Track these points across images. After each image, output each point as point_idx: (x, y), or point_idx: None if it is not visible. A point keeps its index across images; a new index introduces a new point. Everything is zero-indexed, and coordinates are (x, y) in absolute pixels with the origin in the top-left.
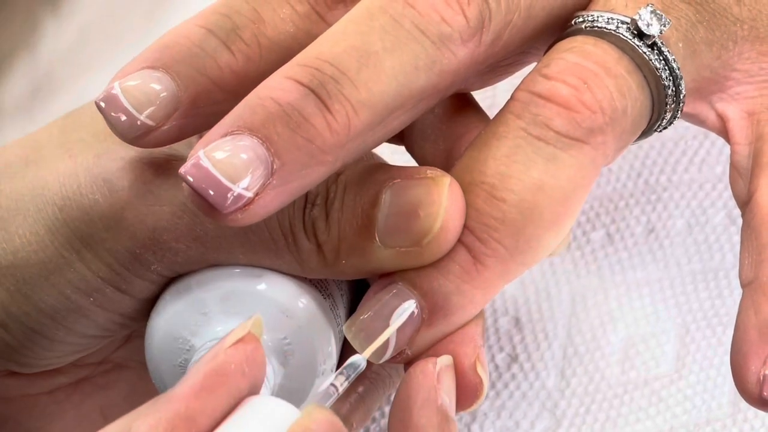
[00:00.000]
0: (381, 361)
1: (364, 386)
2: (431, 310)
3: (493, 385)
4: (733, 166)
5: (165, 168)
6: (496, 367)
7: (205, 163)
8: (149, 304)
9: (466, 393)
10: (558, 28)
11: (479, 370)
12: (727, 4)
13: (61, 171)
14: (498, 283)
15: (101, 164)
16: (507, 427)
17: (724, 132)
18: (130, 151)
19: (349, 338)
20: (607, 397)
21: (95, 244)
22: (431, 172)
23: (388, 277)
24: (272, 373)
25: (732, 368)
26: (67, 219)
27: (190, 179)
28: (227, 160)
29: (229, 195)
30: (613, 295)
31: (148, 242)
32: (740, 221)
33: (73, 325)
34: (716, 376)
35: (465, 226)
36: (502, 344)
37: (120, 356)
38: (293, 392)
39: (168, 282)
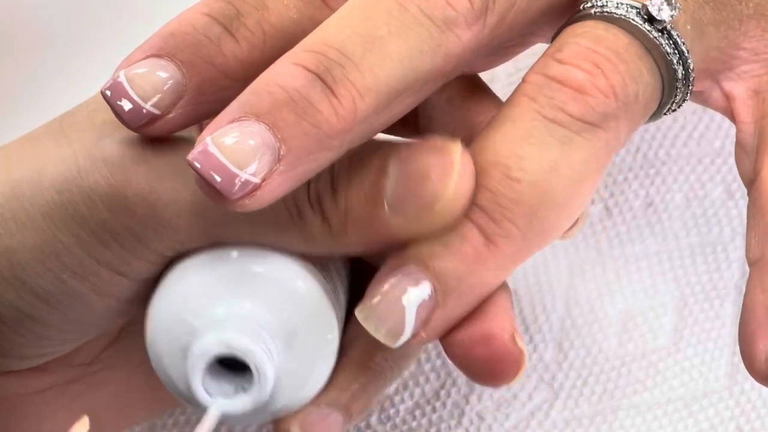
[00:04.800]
0: (397, 345)
1: (367, 377)
2: (445, 292)
3: None
4: (739, 145)
5: (165, 146)
6: None
7: (213, 149)
8: (147, 287)
9: (510, 365)
10: (561, 10)
11: (518, 341)
12: None
13: (59, 158)
14: (509, 265)
15: (100, 146)
16: (505, 399)
17: (728, 111)
18: (130, 133)
19: (361, 320)
20: (604, 369)
21: (95, 226)
22: (441, 140)
23: (398, 258)
24: (276, 353)
25: (740, 347)
26: (66, 202)
27: (198, 165)
28: (235, 146)
29: (236, 181)
30: (611, 269)
31: (148, 219)
32: (738, 195)
33: (68, 311)
34: (713, 349)
35: (479, 207)
36: None
37: (109, 356)
38: (296, 374)
39: (168, 263)
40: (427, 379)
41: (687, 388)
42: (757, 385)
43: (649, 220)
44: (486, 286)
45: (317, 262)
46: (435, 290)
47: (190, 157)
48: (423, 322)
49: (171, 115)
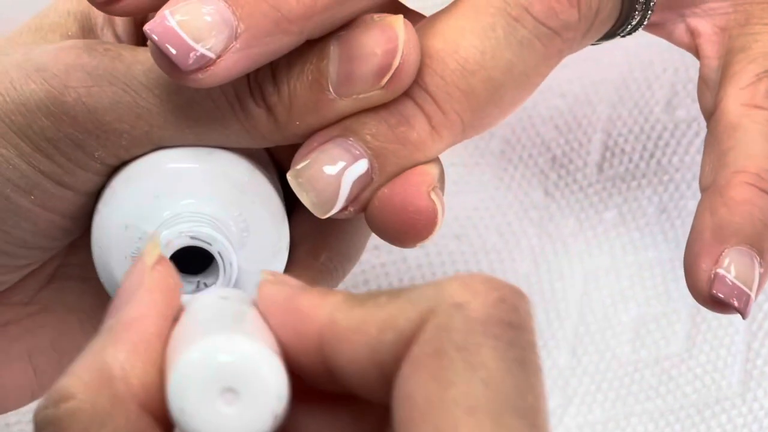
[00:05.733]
0: (325, 216)
1: (313, 277)
2: (381, 170)
3: None
4: (702, 80)
5: (101, 52)
6: None
7: (171, 22)
8: (91, 201)
9: (424, 218)
10: None
11: (433, 195)
12: None
13: None
14: (442, 151)
15: (32, 57)
16: None
17: (692, 47)
18: (62, 43)
19: (293, 186)
20: (617, 375)
21: (34, 136)
22: (378, 16)
23: (336, 128)
24: (236, 264)
25: (685, 269)
26: (3, 115)
27: (155, 37)
28: (192, 21)
29: (191, 54)
30: (625, 275)
31: (89, 125)
32: None
33: (12, 230)
34: (726, 356)
35: (428, 93)
36: None
37: (45, 297)
38: (251, 274)
39: (112, 172)
40: None
41: (700, 394)
42: None
43: (663, 227)
44: (416, 165)
45: (262, 161)
46: (372, 168)
47: (147, 27)
48: (354, 197)
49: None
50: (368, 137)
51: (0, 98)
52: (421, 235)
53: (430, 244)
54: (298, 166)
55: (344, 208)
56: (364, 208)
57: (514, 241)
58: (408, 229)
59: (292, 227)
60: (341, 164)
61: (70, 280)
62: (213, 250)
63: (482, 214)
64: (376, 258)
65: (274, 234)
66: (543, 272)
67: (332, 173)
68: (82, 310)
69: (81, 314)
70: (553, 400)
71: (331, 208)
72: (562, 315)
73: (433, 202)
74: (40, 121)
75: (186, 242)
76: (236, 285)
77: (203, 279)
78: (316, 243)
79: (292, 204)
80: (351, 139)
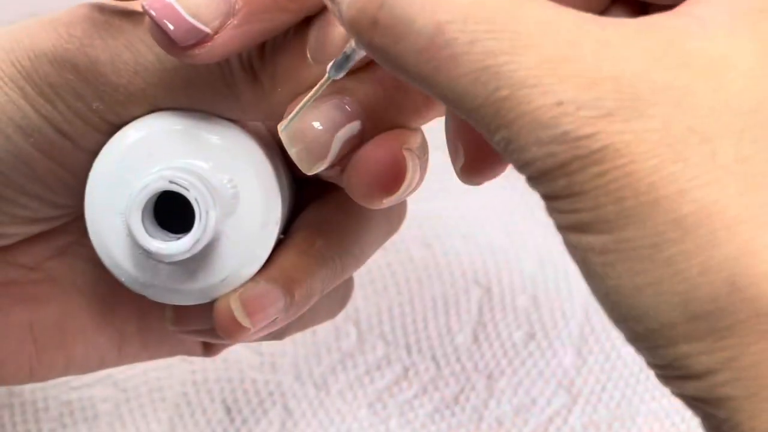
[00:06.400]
0: (311, 172)
1: (308, 262)
2: (371, 132)
3: (510, 363)
4: None
5: (112, 10)
6: (514, 344)
7: None
8: (92, 160)
9: (389, 171)
10: None
11: (406, 152)
12: None
13: (13, 27)
14: (426, 122)
15: (52, 14)
16: (524, 404)
17: None
18: (82, 3)
19: (282, 137)
20: (623, 375)
21: (39, 80)
22: None
23: (336, 88)
24: (219, 210)
25: None
26: (14, 59)
27: (153, 13)
28: None
29: (189, 30)
30: None
31: (89, 75)
32: None
33: (10, 172)
34: None
35: None
36: (519, 322)
37: (53, 269)
38: (239, 243)
39: (112, 132)
40: (447, 384)
41: None
42: None
43: None
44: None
45: (262, 143)
46: (363, 129)
47: (145, 3)
48: (344, 156)
49: None
50: (363, 98)
51: (15, 45)
52: (387, 188)
53: (436, 244)
54: (288, 118)
55: (332, 167)
56: (349, 165)
57: (520, 241)
58: (374, 181)
59: (298, 217)
60: (332, 121)
61: (83, 261)
62: (190, 196)
63: (489, 213)
64: (382, 258)
65: (264, 206)
66: (549, 272)
67: (322, 128)
68: (93, 295)
69: (91, 299)
70: (559, 400)
71: (317, 165)
72: (568, 315)
73: (404, 156)
74: (44, 67)
75: (164, 186)
76: (221, 254)
77: (185, 236)
78: (313, 229)
79: (302, 196)
80: (347, 98)
